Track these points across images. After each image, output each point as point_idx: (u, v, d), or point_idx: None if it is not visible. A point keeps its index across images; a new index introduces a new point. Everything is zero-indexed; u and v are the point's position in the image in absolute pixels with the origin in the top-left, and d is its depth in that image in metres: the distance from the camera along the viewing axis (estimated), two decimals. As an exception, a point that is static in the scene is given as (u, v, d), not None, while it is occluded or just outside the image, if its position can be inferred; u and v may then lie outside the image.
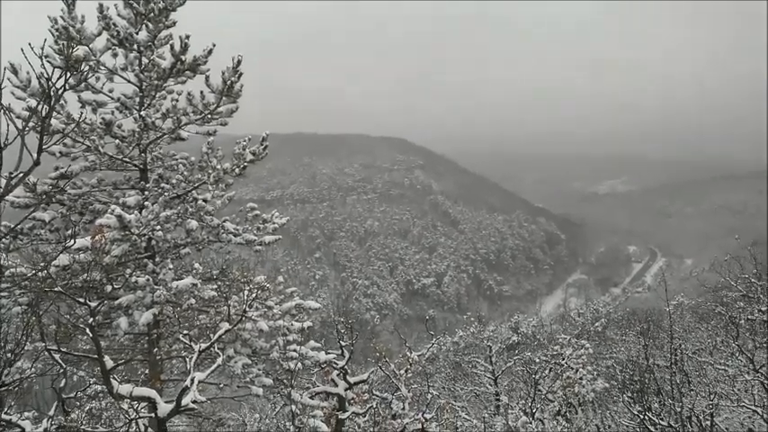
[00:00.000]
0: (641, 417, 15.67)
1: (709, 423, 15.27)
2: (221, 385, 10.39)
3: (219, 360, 7.83)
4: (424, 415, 12.60)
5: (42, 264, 8.42)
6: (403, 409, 12.96)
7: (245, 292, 9.05)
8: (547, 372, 20.25)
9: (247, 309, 8.92)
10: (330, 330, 13.71)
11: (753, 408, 15.07)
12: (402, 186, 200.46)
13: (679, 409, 15.12)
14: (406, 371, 13.72)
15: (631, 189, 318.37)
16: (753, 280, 16.06)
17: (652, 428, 15.58)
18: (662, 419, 15.50)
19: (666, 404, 15.97)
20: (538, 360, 20.99)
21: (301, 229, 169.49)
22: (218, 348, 9.43)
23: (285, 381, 10.75)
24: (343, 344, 12.80)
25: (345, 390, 12.30)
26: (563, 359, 19.61)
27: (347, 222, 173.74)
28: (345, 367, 12.43)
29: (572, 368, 19.09)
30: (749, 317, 16.15)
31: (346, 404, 12.30)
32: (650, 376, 17.56)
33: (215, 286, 10.58)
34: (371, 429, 12.10)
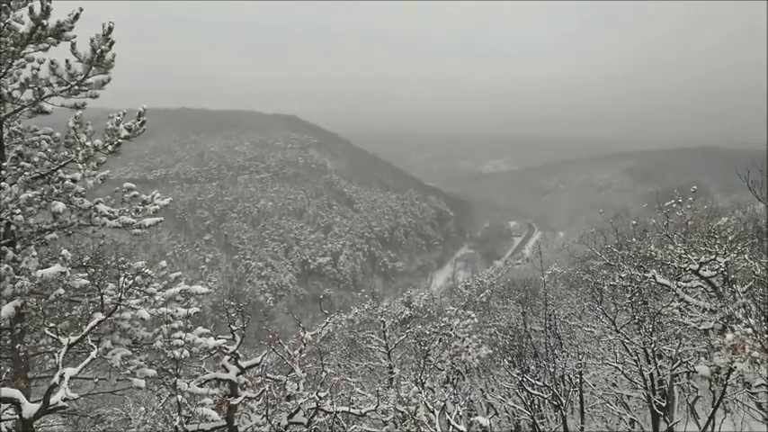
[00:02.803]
0: (520, 379, 16.91)
1: (578, 380, 16.79)
2: (96, 380, 9.75)
3: (94, 353, 7.33)
4: (319, 393, 12.68)
5: None
6: (297, 389, 12.94)
7: (122, 279, 8.50)
8: (436, 342, 21.13)
9: (124, 297, 8.40)
10: (222, 315, 13.29)
11: (615, 365, 16.76)
12: (296, 165, 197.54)
13: (552, 370, 16.47)
14: (300, 351, 13.69)
15: (513, 168, 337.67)
16: (614, 250, 17.70)
17: (529, 389, 16.87)
18: (538, 380, 16.81)
19: (542, 366, 17.34)
20: (428, 332, 21.82)
21: (189, 210, 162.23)
22: (93, 341, 8.82)
23: (171, 370, 10.29)
24: (234, 328, 12.48)
25: (237, 375, 12.03)
26: (451, 330, 20.54)
27: (239, 203, 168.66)
28: (237, 352, 12.15)
29: (459, 338, 20.06)
30: (611, 283, 17.84)
31: (238, 389, 12.05)
32: (528, 341, 18.96)
33: (87, 274, 9.83)
34: (265, 412, 11.97)
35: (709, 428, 13.82)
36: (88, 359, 7.02)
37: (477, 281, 69.79)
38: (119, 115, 10.49)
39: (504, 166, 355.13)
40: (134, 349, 10.23)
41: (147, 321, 10.11)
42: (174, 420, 9.71)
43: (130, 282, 8.97)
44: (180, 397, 9.68)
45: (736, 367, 11.49)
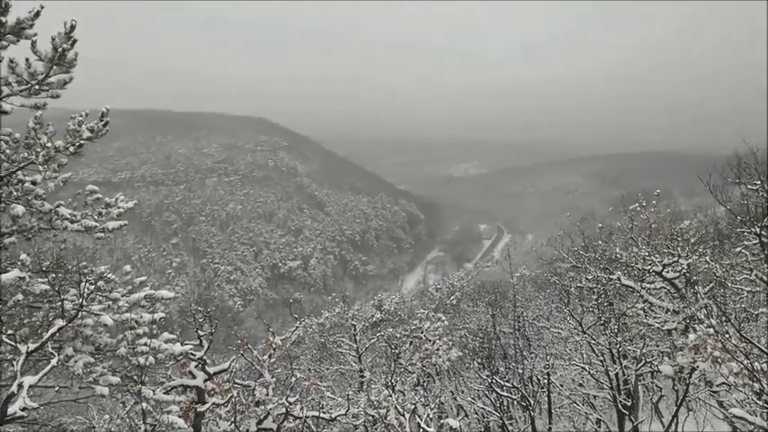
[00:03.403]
0: (489, 380, 17.06)
1: (546, 381, 17.02)
2: (56, 388, 9.45)
3: (54, 361, 7.10)
4: (288, 399, 12.56)
5: None
6: (266, 395, 12.80)
7: (84, 285, 8.26)
8: (407, 345, 21.19)
9: (86, 302, 8.17)
10: (189, 320, 13.06)
11: (582, 365, 17.03)
12: (266, 168, 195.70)
13: (521, 371, 16.67)
14: (269, 356, 13.55)
15: (482, 172, 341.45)
16: (581, 252, 18.03)
17: (498, 390, 17.03)
18: (507, 381, 16.99)
19: (511, 367, 17.53)
20: (399, 335, 21.87)
21: (155, 213, 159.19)
22: (54, 348, 8.56)
23: (135, 377, 10.05)
24: (201, 333, 12.28)
25: (205, 381, 11.84)
26: (421, 332, 20.63)
27: (207, 206, 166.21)
28: (204, 358, 11.95)
29: (429, 340, 20.16)
30: (578, 285, 18.16)
31: (206, 396, 11.86)
32: (497, 342, 19.17)
33: (48, 279, 9.53)
34: (233, 419, 11.79)
35: (673, 427, 14.15)
36: (49, 367, 6.80)
37: (447, 283, 70.23)
38: (81, 116, 10.22)
39: (473, 170, 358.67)
40: (97, 356, 9.95)
41: (111, 327, 9.85)
42: (139, 429, 9.48)
43: (93, 287, 8.73)
44: (145, 405, 9.46)
45: (698, 367, 11.80)
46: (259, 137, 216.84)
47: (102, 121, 10.34)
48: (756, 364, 8.81)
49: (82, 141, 10.04)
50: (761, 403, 10.04)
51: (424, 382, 20.74)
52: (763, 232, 13.48)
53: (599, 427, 17.20)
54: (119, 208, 10.97)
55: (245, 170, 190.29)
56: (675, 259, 15.66)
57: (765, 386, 8.32)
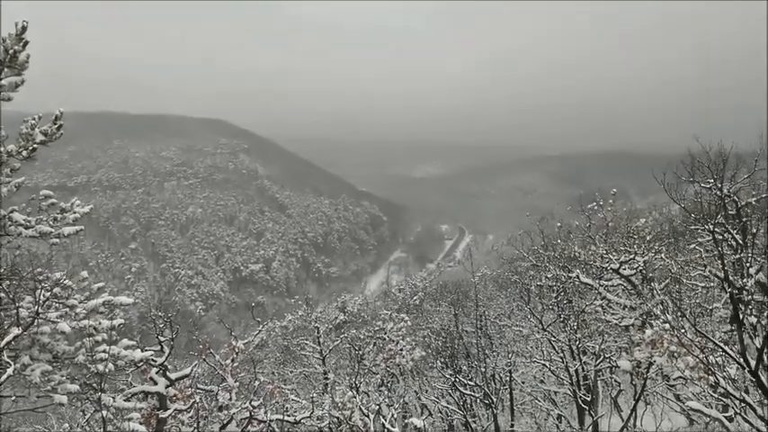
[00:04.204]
0: (453, 379, 17.26)
1: (508, 379, 17.34)
2: (13, 397, 9.13)
3: (10, 370, 6.87)
4: (252, 403, 12.45)
5: None
6: (230, 399, 12.66)
7: (40, 292, 8.01)
8: (371, 347, 21.23)
9: (42, 310, 7.93)
10: (149, 326, 12.82)
11: (542, 362, 17.41)
12: (226, 171, 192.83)
13: (483, 370, 16.93)
14: (232, 360, 13.40)
15: (443, 173, 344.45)
16: (541, 251, 18.44)
17: (462, 389, 17.25)
18: (470, 380, 17.23)
19: (473, 366, 17.78)
20: (362, 336, 21.89)
21: (113, 218, 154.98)
22: (10, 356, 8.27)
23: (95, 385, 9.79)
24: (162, 339, 12.06)
25: (166, 387, 11.63)
26: (385, 333, 20.70)
27: (166, 210, 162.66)
28: (166, 363, 11.74)
29: (393, 341, 20.25)
30: (538, 283, 18.57)
31: (168, 402, 11.65)
32: (459, 342, 19.40)
33: (2, 286, 9.19)
34: (196, 424, 11.62)
35: (632, 421, 14.60)
36: (5, 376, 6.58)
37: (410, 284, 70.66)
38: (34, 119, 9.91)
39: (434, 171, 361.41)
40: (55, 364, 9.67)
41: (69, 335, 9.59)
42: (99, 438, 9.24)
43: (49, 294, 8.47)
44: (105, 412, 9.23)
45: (655, 361, 12.22)
46: (218, 139, 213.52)
47: (55, 124, 10.06)
48: (711, 357, 9.17)
49: (35, 145, 9.74)
50: (716, 396, 10.47)
51: (388, 382, 20.82)
52: (716, 229, 14.02)
53: (560, 422, 17.60)
54: (74, 213, 10.67)
55: (205, 173, 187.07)
56: (632, 257, 16.18)
57: (720, 379, 8.68)
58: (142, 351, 10.85)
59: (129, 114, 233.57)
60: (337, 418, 14.92)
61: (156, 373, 11.54)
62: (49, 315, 9.33)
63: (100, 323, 10.12)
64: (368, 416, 14.66)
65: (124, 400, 10.58)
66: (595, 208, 18.01)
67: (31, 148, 9.65)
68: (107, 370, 9.51)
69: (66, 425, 14.53)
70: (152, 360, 11.28)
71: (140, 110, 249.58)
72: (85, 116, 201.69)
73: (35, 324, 8.62)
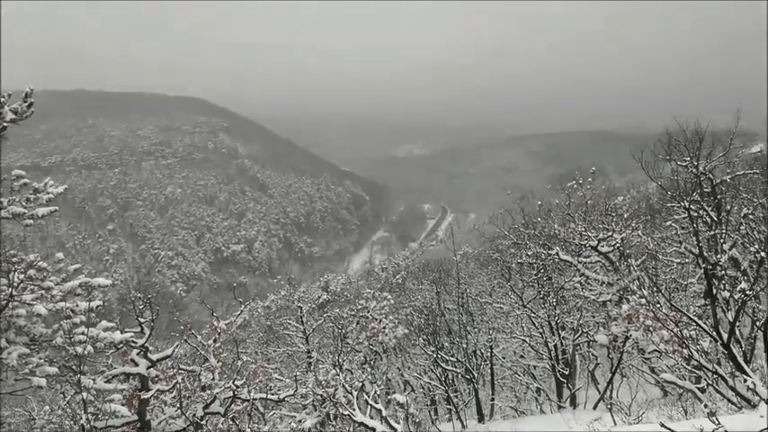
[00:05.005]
0: (435, 356, 17.48)
1: (489, 354, 17.60)
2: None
3: (-15, 353, 6.75)
4: (235, 382, 12.46)
5: None
6: (213, 379, 12.65)
7: (14, 274, 7.86)
8: (354, 325, 21.35)
9: (17, 292, 7.79)
10: (129, 307, 12.70)
11: (522, 338, 17.69)
12: (206, 150, 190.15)
13: (465, 346, 17.16)
14: (214, 341, 13.36)
15: (425, 152, 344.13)
16: (521, 229, 18.60)
17: (444, 365, 17.48)
18: (452, 356, 17.46)
19: (455, 342, 18.01)
20: (345, 315, 21.99)
21: (89, 198, 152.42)
22: (-16, 340, 8.14)
23: (74, 367, 9.71)
24: (142, 320, 11.95)
25: (148, 368, 11.56)
26: (368, 312, 20.81)
27: (144, 190, 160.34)
28: (146, 345, 11.66)
29: (376, 319, 20.38)
30: (519, 261, 18.77)
31: (149, 383, 11.60)
32: (441, 319, 19.60)
33: (-26, 269, 9.02)
34: (179, 404, 11.60)
35: (608, 393, 14.96)
36: (-22, 360, 6.47)
37: (393, 263, 71.11)
38: (3, 97, 9.64)
39: (417, 151, 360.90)
40: (32, 347, 9.57)
41: (46, 317, 9.48)
42: (81, 419, 9.19)
43: (23, 276, 8.32)
44: (85, 394, 9.17)
45: (631, 335, 12.50)
46: (197, 118, 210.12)
47: (26, 102, 9.81)
48: (685, 331, 9.39)
49: (5, 124, 9.50)
50: (689, 368, 10.75)
51: (371, 360, 21.00)
52: (691, 206, 14.26)
53: (539, 395, 17.96)
54: (48, 193, 10.46)
55: (184, 152, 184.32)
56: (610, 234, 16.40)
57: (694, 352, 8.89)
58: (122, 333, 10.77)
59: (104, 92, 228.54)
60: (321, 395, 15.03)
61: (137, 354, 11.46)
62: (24, 297, 9.20)
63: (77, 305, 10.01)
64: (351, 393, 14.78)
65: (105, 382, 10.52)
66: (575, 186, 18.18)
67: (0, 126, 9.39)
68: (86, 352, 9.43)
69: (47, 407, 14.43)
70: (132, 342, 11.20)
71: (116, 87, 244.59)
72: (58, 94, 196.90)
73: (10, 307, 8.48)
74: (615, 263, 16.54)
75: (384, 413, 14.20)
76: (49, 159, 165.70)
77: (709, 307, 13.85)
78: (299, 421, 15.40)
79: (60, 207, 11.00)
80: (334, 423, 14.81)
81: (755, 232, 14.86)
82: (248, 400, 12.54)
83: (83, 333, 9.67)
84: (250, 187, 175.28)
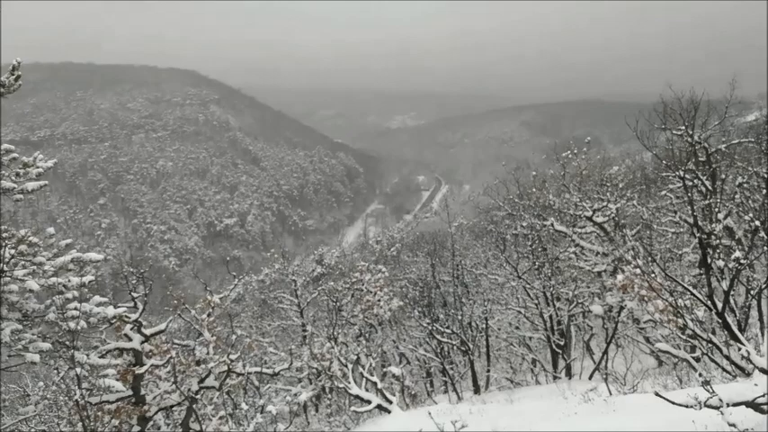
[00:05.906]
0: (430, 328, 17.55)
1: (484, 326, 17.69)
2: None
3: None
4: (230, 356, 12.46)
5: None
6: (207, 353, 12.64)
7: (5, 249, 7.71)
8: (349, 298, 21.38)
9: (8, 267, 7.65)
10: (122, 282, 12.61)
11: (518, 309, 17.75)
12: (197, 123, 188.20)
13: (460, 318, 17.22)
14: (208, 315, 13.32)
15: (419, 123, 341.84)
16: (516, 200, 18.52)
17: (439, 337, 17.57)
18: (447, 328, 17.53)
19: (450, 314, 18.06)
20: (340, 288, 22.01)
21: (80, 172, 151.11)
22: (-26, 317, 8.03)
23: (67, 342, 9.64)
24: (135, 295, 11.88)
25: (141, 343, 11.53)
26: (363, 284, 20.83)
27: (135, 164, 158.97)
28: (140, 320, 11.61)
29: (371, 292, 20.41)
30: (514, 232, 18.74)
31: (143, 358, 11.57)
32: (437, 291, 19.64)
33: (-39, 245, 8.85)
34: (173, 378, 11.60)
35: (603, 363, 15.08)
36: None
37: (387, 235, 71.23)
38: (-12, 69, 9.34)
39: (410, 122, 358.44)
40: (25, 323, 9.48)
41: (39, 292, 9.36)
42: (75, 394, 9.16)
43: (14, 251, 8.17)
44: (79, 370, 9.11)
45: (626, 305, 12.52)
46: (188, 90, 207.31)
47: (13, 75, 9.53)
48: (680, 301, 9.38)
49: (-10, 96, 9.20)
50: (684, 337, 10.80)
51: (366, 332, 21.10)
52: (686, 175, 14.19)
53: (534, 366, 18.12)
54: (38, 168, 10.25)
55: (175, 125, 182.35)
56: (605, 204, 16.36)
57: (689, 321, 8.90)
58: (115, 308, 10.68)
59: (93, 65, 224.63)
60: (316, 369, 15.11)
61: (131, 329, 11.41)
62: (15, 273, 9.06)
63: (69, 280, 9.89)
64: (346, 366, 14.86)
65: (99, 357, 10.48)
66: (570, 156, 18.04)
67: (-15, 99, 9.12)
68: (79, 327, 9.36)
69: (41, 383, 14.43)
70: (126, 316, 11.13)
71: (105, 60, 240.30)
72: (47, 67, 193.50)
73: (1, 283, 8.35)
74: (610, 233, 16.54)
75: (380, 386, 14.31)
76: (39, 133, 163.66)
77: (703, 276, 13.91)
78: (295, 395, 15.52)
79: (50, 181, 10.82)
80: (329, 396, 14.92)
81: (750, 201, 14.85)
82: (243, 374, 12.57)
83: (75, 308, 9.57)
84: (242, 160, 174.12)
